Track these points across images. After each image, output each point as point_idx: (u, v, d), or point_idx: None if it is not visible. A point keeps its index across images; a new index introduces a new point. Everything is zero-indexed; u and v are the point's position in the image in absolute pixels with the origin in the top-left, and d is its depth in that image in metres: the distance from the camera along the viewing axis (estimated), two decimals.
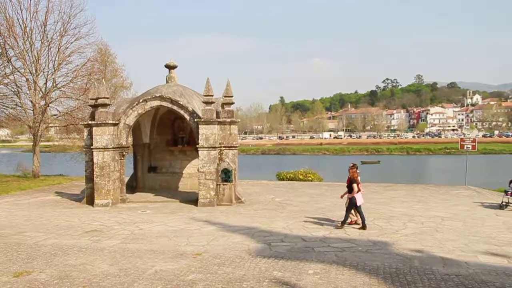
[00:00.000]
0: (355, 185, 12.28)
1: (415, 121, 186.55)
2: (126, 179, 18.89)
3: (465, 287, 7.53)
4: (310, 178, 26.36)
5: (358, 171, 12.80)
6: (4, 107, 28.21)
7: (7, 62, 26.71)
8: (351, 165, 12.89)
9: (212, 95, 16.84)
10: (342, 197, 13.35)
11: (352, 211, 12.67)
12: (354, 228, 12.42)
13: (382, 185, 23.26)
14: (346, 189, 12.70)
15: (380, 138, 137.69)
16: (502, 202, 15.72)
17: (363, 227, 12.22)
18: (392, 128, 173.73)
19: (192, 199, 17.45)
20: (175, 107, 17.20)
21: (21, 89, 27.58)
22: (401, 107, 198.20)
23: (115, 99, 28.14)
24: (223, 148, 17.04)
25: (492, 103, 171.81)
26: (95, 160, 16.89)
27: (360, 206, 12.44)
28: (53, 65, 27.55)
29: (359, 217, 12.57)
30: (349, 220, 12.69)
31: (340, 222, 12.59)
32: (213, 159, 16.69)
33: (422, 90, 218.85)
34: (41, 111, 27.16)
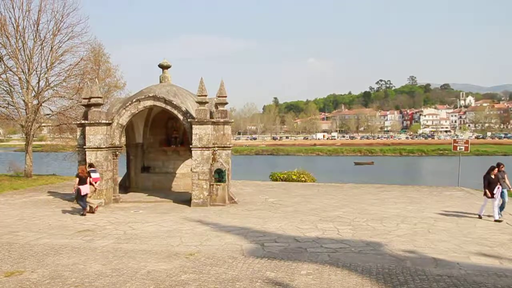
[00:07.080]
0: (76, 179, 14.86)
1: (408, 122, 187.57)
2: (119, 179, 18.83)
3: None
4: (303, 179, 26.37)
5: (93, 169, 15.87)
6: None
7: None
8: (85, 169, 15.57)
9: (205, 95, 16.81)
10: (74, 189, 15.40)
11: (91, 200, 15.25)
12: (80, 215, 14.59)
13: (375, 186, 23.35)
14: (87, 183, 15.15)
15: (374, 139, 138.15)
16: None
17: (84, 214, 14.63)
18: (385, 129, 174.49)
19: (185, 199, 17.42)
20: (168, 107, 17.16)
21: (14, 88, 27.32)
22: (394, 108, 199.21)
23: (108, 99, 28.06)
24: (217, 148, 17.02)
25: (485, 104, 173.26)
26: (88, 160, 16.82)
27: (85, 195, 14.82)
28: (46, 64, 27.30)
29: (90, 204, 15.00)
30: (95, 206, 15.14)
31: (84, 212, 14.71)
32: (206, 159, 16.67)
33: (416, 91, 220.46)
34: (33, 110, 26.93)
